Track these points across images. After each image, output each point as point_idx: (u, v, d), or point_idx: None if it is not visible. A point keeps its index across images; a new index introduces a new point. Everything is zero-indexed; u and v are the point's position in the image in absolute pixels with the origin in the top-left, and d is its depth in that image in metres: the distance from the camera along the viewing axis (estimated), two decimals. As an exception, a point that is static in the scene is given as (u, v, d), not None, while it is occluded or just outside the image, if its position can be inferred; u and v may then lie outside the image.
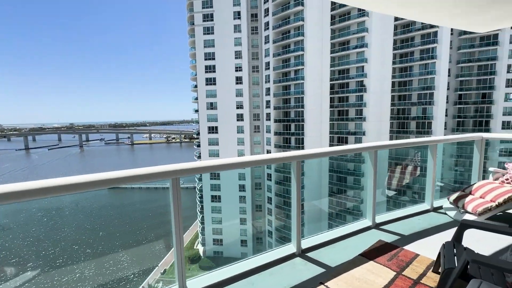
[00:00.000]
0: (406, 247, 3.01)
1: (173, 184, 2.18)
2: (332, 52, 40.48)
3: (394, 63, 39.26)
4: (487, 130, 36.76)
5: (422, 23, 37.75)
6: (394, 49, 39.20)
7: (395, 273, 2.57)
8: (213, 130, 46.03)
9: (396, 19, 39.26)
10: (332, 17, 40.36)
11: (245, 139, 45.48)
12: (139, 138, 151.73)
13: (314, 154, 3.08)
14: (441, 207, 4.33)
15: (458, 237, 2.38)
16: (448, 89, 38.03)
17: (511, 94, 35.90)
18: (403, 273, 2.55)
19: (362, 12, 37.90)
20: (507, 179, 4.00)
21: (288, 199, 4.60)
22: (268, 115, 43.86)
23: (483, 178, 4.72)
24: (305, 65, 39.72)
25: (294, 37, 40.22)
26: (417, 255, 2.83)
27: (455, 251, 2.19)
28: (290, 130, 42.05)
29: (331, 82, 40.73)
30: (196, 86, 46.38)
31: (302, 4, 38.75)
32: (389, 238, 3.31)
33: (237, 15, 43.69)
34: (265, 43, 43.40)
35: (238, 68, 44.74)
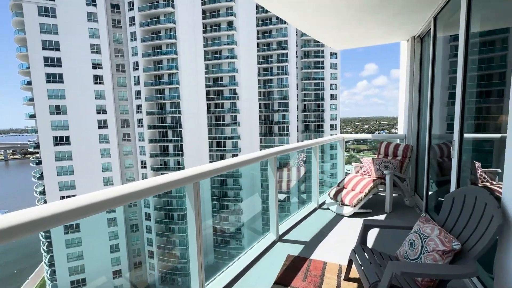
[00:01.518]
0: (313, 257, 2.78)
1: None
2: (206, 59, 37.16)
3: (259, 75, 40.56)
4: (322, 132, 44.27)
5: (277, 43, 40.80)
6: (259, 63, 40.52)
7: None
8: (62, 141, 32.24)
9: (258, 37, 40.78)
10: (204, 26, 37.13)
11: (112, 149, 34.66)
12: None
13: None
14: (324, 203, 4.32)
15: (363, 239, 2.25)
16: (297, 99, 43.05)
17: (333, 105, 44.70)
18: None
19: (230, 26, 36.76)
20: (364, 172, 4.43)
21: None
22: (140, 121, 35.21)
23: (348, 173, 4.97)
24: (180, 70, 34.46)
25: (166, 39, 34.01)
26: (325, 263, 2.64)
27: (367, 256, 2.02)
28: (168, 136, 35.42)
29: (207, 89, 37.43)
30: (30, 83, 30.96)
31: (173, 6, 33.21)
32: (295, 250, 2.96)
33: (92, 0, 32.42)
34: (132, 40, 34.56)
35: (97, 65, 33.42)
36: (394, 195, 4.28)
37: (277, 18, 40.56)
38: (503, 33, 2.30)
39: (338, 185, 4.36)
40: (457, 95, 2.47)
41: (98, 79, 33.76)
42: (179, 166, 35.30)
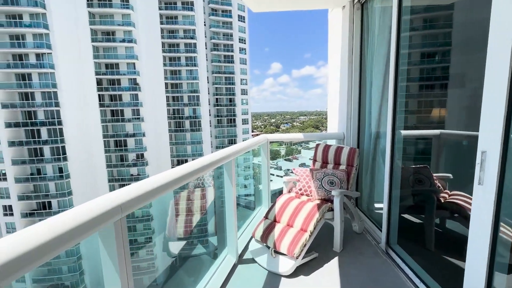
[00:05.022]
0: None
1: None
2: (94, 40, 29.62)
3: (164, 65, 35.68)
4: (235, 126, 43.46)
5: (184, 32, 36.93)
6: (163, 51, 35.55)
7: None
8: None
9: (162, 22, 35.68)
10: (89, -2, 29.34)
11: None
12: None
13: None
14: (247, 249, 2.59)
15: None
16: (209, 93, 40.51)
17: (244, 100, 44.52)
18: None
19: (126, 4, 30.52)
20: (300, 189, 2.96)
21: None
22: (-9, 116, 24.94)
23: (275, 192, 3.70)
24: (54, 49, 26.18)
25: (28, 6, 24.99)
26: None
27: None
28: (41, 137, 26.63)
29: (98, 77, 30.08)
30: None
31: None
32: None
33: None
34: (-34, 0, 23.65)
35: None
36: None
37: (183, 3, 36.41)
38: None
39: (266, 216, 2.71)
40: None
41: None
42: (61, 174, 27.11)
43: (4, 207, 26.22)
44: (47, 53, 26.25)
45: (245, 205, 3.63)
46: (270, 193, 3.46)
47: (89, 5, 29.44)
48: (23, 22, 25.38)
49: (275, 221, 2.51)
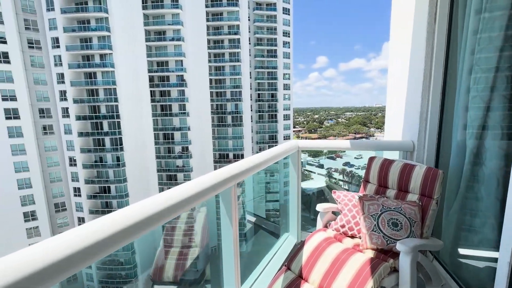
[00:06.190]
0: None
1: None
2: (147, 40, 31.57)
3: (210, 61, 36.47)
4: (276, 122, 42.53)
5: (229, 27, 37.07)
6: (209, 48, 36.30)
7: None
8: (-49, 135, 24.30)
9: (208, 20, 36.37)
10: (144, 1, 31.22)
11: (27, 145, 27.53)
12: None
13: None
14: None
15: None
16: (251, 88, 40.29)
17: (286, 95, 43.18)
18: None
19: (175, 4, 31.67)
20: (343, 226, 1.90)
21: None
22: (65, 110, 28.55)
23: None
24: (114, 50, 28.54)
25: (94, 11, 27.56)
26: None
27: None
28: (103, 129, 29.54)
29: (150, 74, 32.09)
30: None
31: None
32: None
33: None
34: (49, 10, 27.16)
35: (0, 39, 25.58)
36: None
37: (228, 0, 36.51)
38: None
39: (288, 265, 1.78)
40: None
41: (1, 57, 25.85)
42: (118, 162, 29.88)
43: (74, 189, 30.12)
44: (109, 54, 28.89)
45: (265, 226, 2.82)
46: (300, 217, 2.60)
47: (144, 7, 31.43)
48: (90, 27, 28.30)
49: (301, 277, 1.64)
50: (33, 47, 27.70)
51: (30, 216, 28.14)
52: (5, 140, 26.45)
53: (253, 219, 2.88)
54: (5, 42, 25.85)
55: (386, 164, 2.05)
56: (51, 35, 27.80)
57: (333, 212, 2.10)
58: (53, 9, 27.14)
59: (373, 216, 1.73)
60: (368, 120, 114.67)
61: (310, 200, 3.52)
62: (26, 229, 27.92)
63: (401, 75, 2.63)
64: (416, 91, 2.25)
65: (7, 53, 26.06)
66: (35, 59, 27.94)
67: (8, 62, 26.23)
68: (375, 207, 1.77)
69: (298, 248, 1.85)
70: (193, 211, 2.06)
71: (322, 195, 3.80)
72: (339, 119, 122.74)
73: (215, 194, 1.26)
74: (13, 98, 26.67)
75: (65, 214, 30.63)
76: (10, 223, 26.66)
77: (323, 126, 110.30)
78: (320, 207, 2.04)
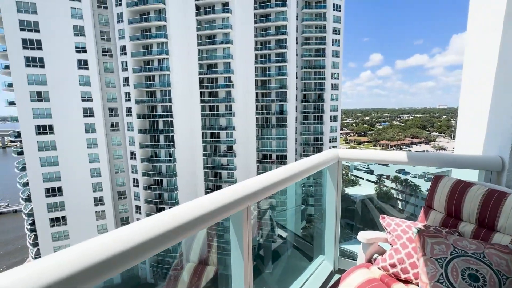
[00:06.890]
0: None
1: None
2: (199, 44, 33.39)
3: (256, 62, 36.84)
4: (322, 123, 40.78)
5: (276, 28, 36.87)
6: (255, 49, 36.71)
7: None
8: (45, 130, 29.41)
9: (256, 21, 36.76)
10: (197, 7, 33.10)
11: (99, 139, 31.77)
12: None
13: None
14: None
15: None
16: (296, 89, 39.45)
17: (334, 95, 41.03)
18: None
19: (226, 8, 32.74)
20: (393, 265, 1.47)
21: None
22: (129, 109, 32.07)
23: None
24: (171, 55, 30.88)
25: (155, 21, 30.28)
26: None
27: None
28: (158, 127, 32.31)
29: (200, 76, 33.87)
30: (7, 67, 27.79)
31: (163, -15, 29.34)
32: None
33: (72, -24, 28.77)
34: (119, 22, 30.84)
35: (81, 49, 29.98)
36: None
37: (276, 0, 36.31)
38: None
39: None
40: None
41: (82, 64, 30.39)
42: (170, 158, 32.38)
43: (133, 180, 33.72)
44: (165, 58, 31.50)
45: (297, 245, 2.46)
46: (338, 239, 2.19)
47: (197, 14, 33.39)
48: (151, 34, 31.27)
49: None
50: (106, 55, 31.88)
51: (99, 201, 32.48)
52: (82, 136, 31.05)
53: (284, 234, 2.57)
54: (85, 51, 30.32)
55: (461, 187, 1.52)
56: (120, 43, 31.58)
57: (380, 245, 1.65)
58: (122, 21, 30.78)
59: (439, 260, 1.26)
60: (429, 124, 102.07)
61: (355, 208, 3.13)
62: (96, 212, 32.30)
63: (484, 72, 2.00)
64: (508, 91, 1.65)
65: (86, 60, 30.52)
66: (107, 65, 32.12)
67: (87, 68, 30.71)
68: (443, 248, 1.29)
69: (332, 285, 1.48)
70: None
71: (369, 204, 3.37)
72: (393, 122, 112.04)
73: (220, 220, 1.01)
74: (90, 99, 31.11)
75: (125, 202, 34.51)
76: (83, 207, 31.24)
77: (375, 128, 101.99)
78: (362, 236, 1.60)
